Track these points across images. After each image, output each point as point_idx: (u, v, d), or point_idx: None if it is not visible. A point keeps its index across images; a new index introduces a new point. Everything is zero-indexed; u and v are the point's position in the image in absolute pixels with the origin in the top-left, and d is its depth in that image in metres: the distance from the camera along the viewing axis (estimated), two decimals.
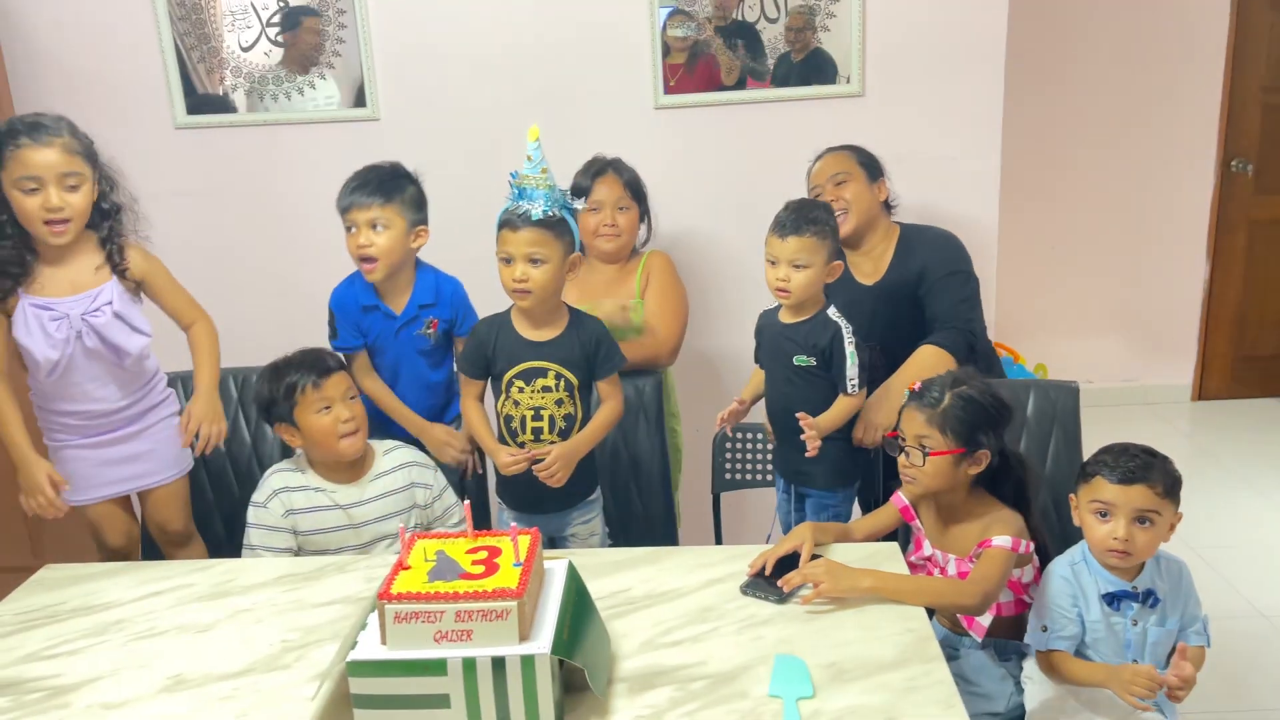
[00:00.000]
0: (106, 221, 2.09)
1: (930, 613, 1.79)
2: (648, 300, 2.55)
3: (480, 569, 1.43)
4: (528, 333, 2.09)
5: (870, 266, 2.51)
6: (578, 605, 1.51)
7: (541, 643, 1.37)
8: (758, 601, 1.68)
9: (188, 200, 3.01)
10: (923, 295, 2.41)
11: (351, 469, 2.10)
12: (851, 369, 2.10)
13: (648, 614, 1.67)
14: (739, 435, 2.44)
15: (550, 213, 1.98)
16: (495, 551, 1.48)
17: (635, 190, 2.55)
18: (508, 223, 2.00)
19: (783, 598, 1.67)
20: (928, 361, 2.29)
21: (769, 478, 2.43)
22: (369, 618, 1.45)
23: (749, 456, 2.45)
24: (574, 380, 2.08)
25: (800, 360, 2.13)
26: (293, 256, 3.04)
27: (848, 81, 2.89)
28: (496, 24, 2.89)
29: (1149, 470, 1.68)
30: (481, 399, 2.18)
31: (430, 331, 2.31)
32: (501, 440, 2.13)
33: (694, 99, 2.91)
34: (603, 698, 1.43)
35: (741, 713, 1.40)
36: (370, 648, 1.38)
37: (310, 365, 2.06)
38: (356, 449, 2.06)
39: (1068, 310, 4.61)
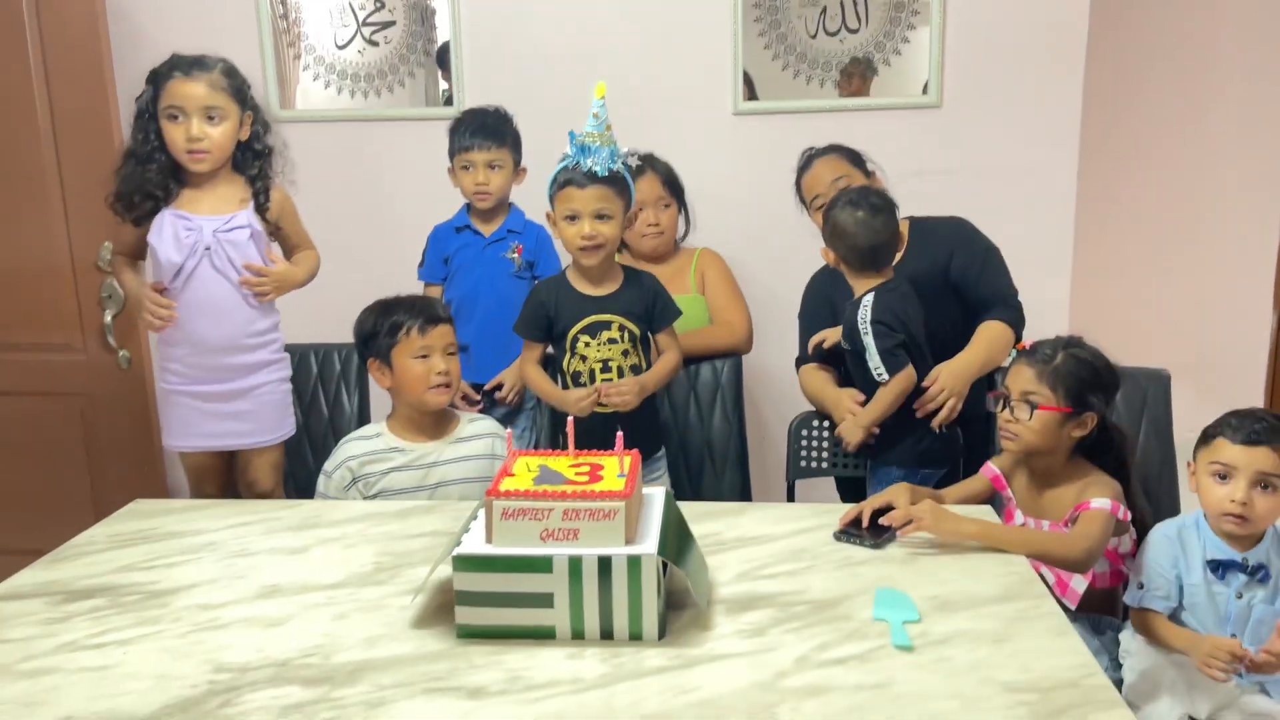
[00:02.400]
0: (257, 161, 2.19)
1: None
2: (714, 295, 2.60)
3: (585, 478, 1.43)
4: (588, 289, 2.12)
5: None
6: (678, 525, 1.50)
7: (648, 546, 1.36)
8: (853, 546, 1.66)
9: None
10: (958, 281, 2.38)
11: (434, 428, 2.09)
12: (874, 359, 2.13)
13: (740, 553, 1.65)
14: (814, 422, 2.43)
15: (614, 168, 2.02)
16: (598, 466, 1.48)
17: (673, 186, 2.62)
18: (571, 181, 2.04)
19: (879, 544, 1.65)
20: (998, 337, 2.28)
21: (845, 466, 2.41)
22: (472, 522, 1.44)
23: (823, 444, 2.42)
24: (636, 331, 2.12)
25: (844, 344, 2.18)
26: (378, 244, 3.09)
27: (925, 92, 2.93)
28: (580, 26, 2.98)
29: (1275, 434, 1.65)
30: (541, 364, 2.20)
31: (515, 256, 2.44)
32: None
33: (771, 105, 2.97)
34: (705, 609, 1.41)
35: (847, 631, 1.37)
36: (476, 544, 1.38)
37: (420, 310, 2.07)
38: (441, 403, 2.05)
39: (1124, 351, 4.54)
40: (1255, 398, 4.62)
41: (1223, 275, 4.49)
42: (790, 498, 2.47)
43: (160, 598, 1.52)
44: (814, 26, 2.93)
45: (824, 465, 2.42)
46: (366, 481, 2.03)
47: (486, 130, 2.45)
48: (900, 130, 2.95)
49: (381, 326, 2.06)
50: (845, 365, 2.31)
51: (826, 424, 2.42)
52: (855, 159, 2.51)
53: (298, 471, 2.50)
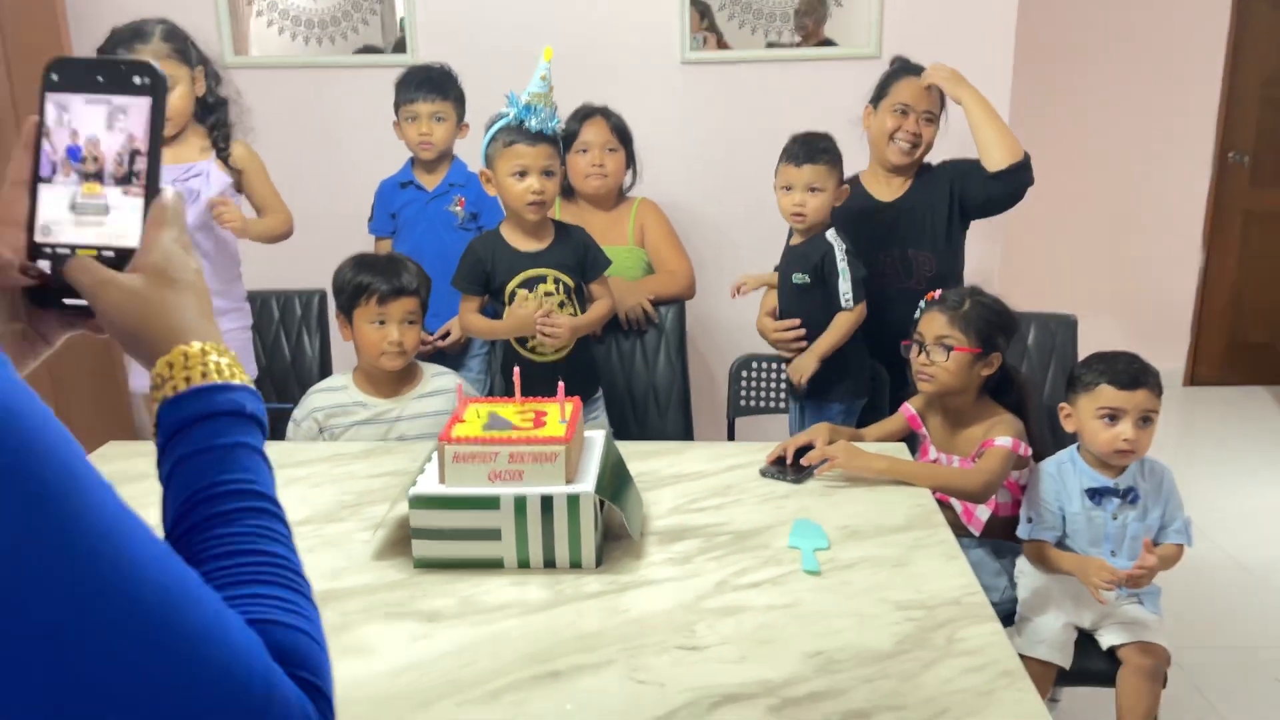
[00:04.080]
0: (211, 115, 2.26)
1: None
2: (656, 245, 2.71)
3: (529, 424, 1.58)
4: (523, 245, 2.24)
5: (892, 187, 2.56)
6: (616, 465, 1.65)
7: (585, 485, 1.51)
8: (776, 481, 1.83)
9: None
10: (965, 179, 2.48)
11: (394, 384, 2.17)
12: (845, 285, 2.26)
13: (674, 488, 1.81)
14: (754, 364, 2.59)
15: (555, 129, 2.14)
16: (542, 413, 1.62)
17: (622, 134, 2.70)
18: (517, 139, 2.12)
19: (799, 479, 1.82)
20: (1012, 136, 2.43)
21: (782, 405, 2.57)
22: (426, 465, 1.59)
23: (763, 384, 2.59)
24: (571, 283, 2.25)
25: (797, 278, 2.29)
26: (331, 189, 3.17)
27: (865, 45, 3.04)
28: None
29: (1146, 374, 1.83)
30: (480, 312, 2.32)
31: (458, 209, 2.55)
32: (510, 351, 2.27)
33: (719, 55, 3.06)
34: (637, 541, 1.57)
35: (764, 558, 1.54)
36: (430, 485, 1.52)
37: (387, 277, 2.10)
38: (393, 367, 2.12)
39: (1064, 291, 4.74)
40: (1183, 335, 4.87)
41: (1152, 226, 4.69)
42: (730, 436, 2.63)
43: None
44: None
45: (761, 405, 2.59)
46: (332, 433, 2.15)
47: (431, 84, 2.55)
48: (841, 80, 3.05)
49: (349, 285, 2.12)
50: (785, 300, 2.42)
51: (764, 365, 2.57)
52: (942, 101, 2.53)
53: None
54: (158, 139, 0.70)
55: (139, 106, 0.69)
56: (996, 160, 2.38)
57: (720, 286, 3.02)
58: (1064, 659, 1.84)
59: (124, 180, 0.69)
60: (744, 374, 2.60)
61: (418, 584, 1.47)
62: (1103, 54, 4.51)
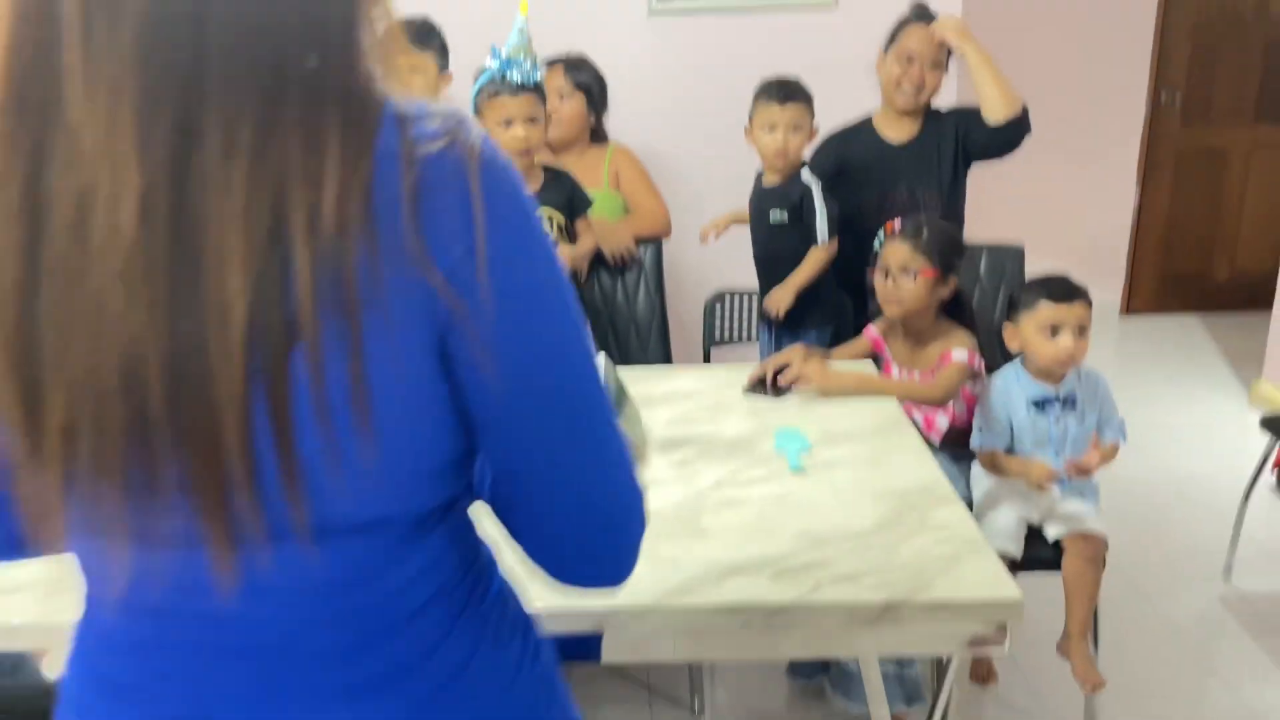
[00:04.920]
0: None
1: None
2: (632, 188, 2.86)
3: None
4: None
5: (901, 129, 2.66)
6: (617, 386, 1.82)
7: None
8: (759, 398, 2.02)
9: None
10: (970, 123, 2.60)
11: None
12: (821, 221, 2.44)
13: (669, 406, 1.99)
14: (726, 298, 2.77)
15: (537, 80, 2.28)
16: None
17: (580, 83, 2.80)
18: (501, 91, 2.26)
19: (779, 395, 2.01)
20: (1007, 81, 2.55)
21: (753, 335, 2.76)
22: None
23: (735, 318, 2.77)
24: (563, 221, 2.43)
25: (775, 217, 2.47)
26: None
27: None
28: None
29: (1079, 290, 2.04)
30: None
31: None
32: None
33: (682, 6, 3.20)
34: (642, 446, 1.75)
35: (754, 460, 1.73)
36: None
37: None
38: None
39: (1004, 227, 4.98)
40: (1119, 267, 5.14)
41: (1090, 158, 4.93)
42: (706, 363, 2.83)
43: None
44: None
45: (734, 336, 2.78)
46: None
47: (408, 37, 2.65)
48: (800, 29, 3.22)
49: None
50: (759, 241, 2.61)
51: (736, 299, 2.76)
52: (949, 48, 2.61)
53: None
54: None
55: None
56: (996, 114, 2.52)
57: (692, 226, 3.19)
58: (1016, 549, 2.07)
59: None
60: (718, 307, 2.78)
61: None
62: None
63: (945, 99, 2.75)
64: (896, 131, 2.66)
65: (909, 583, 1.34)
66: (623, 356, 2.72)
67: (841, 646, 1.39)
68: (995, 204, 4.93)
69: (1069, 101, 4.83)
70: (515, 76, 2.23)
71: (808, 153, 2.54)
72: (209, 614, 0.69)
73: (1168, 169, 4.93)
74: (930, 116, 2.68)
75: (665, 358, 2.74)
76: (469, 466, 0.74)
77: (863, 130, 2.67)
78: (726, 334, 2.79)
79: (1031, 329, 2.08)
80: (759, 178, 2.58)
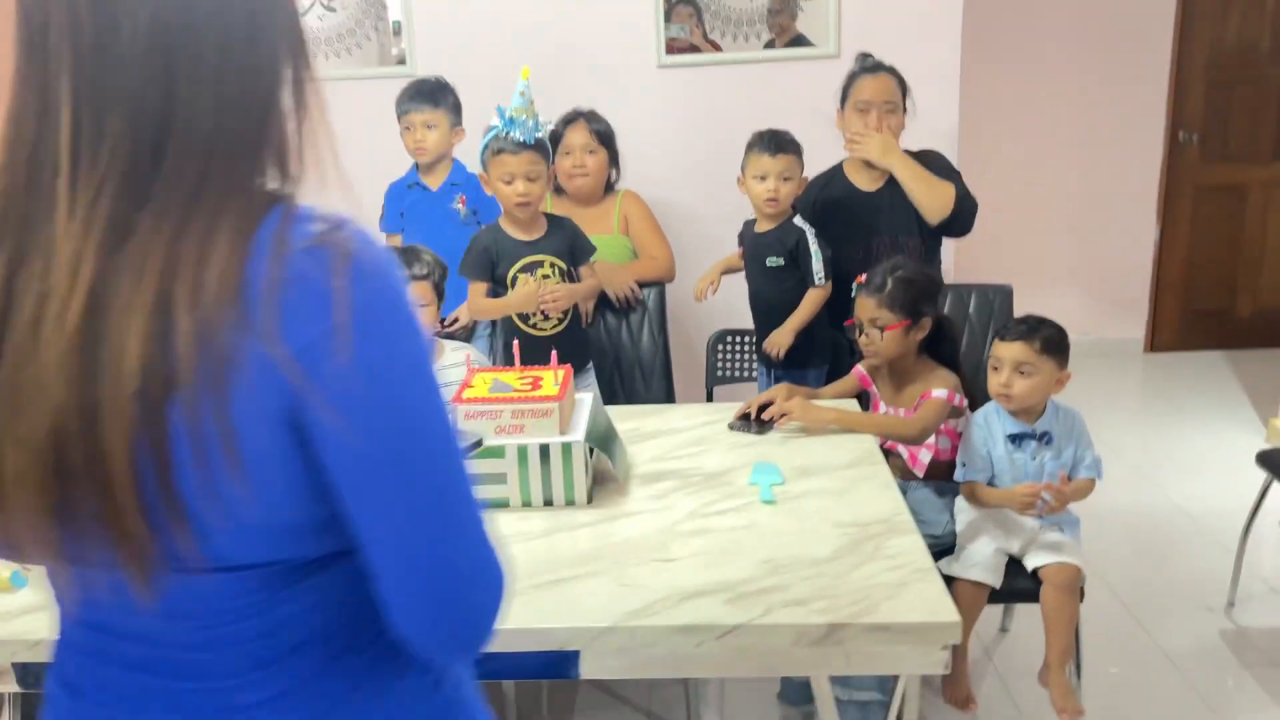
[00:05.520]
0: None
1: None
2: (639, 233, 2.99)
3: (528, 387, 1.87)
4: (521, 235, 2.53)
5: (872, 176, 2.75)
6: (602, 420, 1.94)
7: (577, 435, 1.80)
8: (742, 434, 2.12)
9: None
10: None
11: None
12: (817, 264, 2.55)
13: (656, 441, 2.10)
14: (728, 338, 2.88)
15: (538, 137, 2.42)
16: (539, 378, 1.91)
17: (602, 136, 2.96)
18: (504, 149, 2.42)
19: (762, 431, 2.11)
20: (943, 184, 2.64)
21: (753, 374, 2.86)
22: None
23: (737, 356, 2.88)
24: (564, 267, 2.55)
25: (772, 261, 2.58)
26: (337, 192, 3.46)
27: (825, 45, 3.32)
28: None
29: (1030, 332, 2.13)
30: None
31: (460, 206, 2.84)
32: (512, 327, 2.55)
33: (691, 59, 3.35)
34: (623, 482, 1.86)
35: (728, 493, 1.83)
36: None
37: (403, 264, 2.39)
38: None
39: (1027, 266, 5.04)
40: (1142, 304, 5.16)
41: (1110, 202, 4.97)
42: (709, 402, 2.93)
43: None
44: None
45: (735, 374, 2.89)
46: None
47: (423, 95, 2.85)
48: (805, 79, 3.34)
49: None
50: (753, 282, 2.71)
51: (737, 339, 2.87)
52: (904, 89, 2.72)
53: None
54: None
55: None
56: (933, 218, 2.63)
57: (698, 269, 3.31)
58: (995, 579, 2.14)
59: None
60: (720, 347, 2.89)
61: None
62: (1057, 40, 4.80)
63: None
64: (866, 179, 2.75)
65: (854, 606, 1.43)
66: (626, 394, 2.83)
67: (791, 666, 1.48)
68: (1017, 243, 5.00)
69: (1088, 142, 4.89)
70: (517, 135, 2.38)
71: None
72: (136, 631, 0.82)
73: (1187, 206, 4.96)
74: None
75: (668, 395, 2.85)
76: (339, 529, 0.80)
77: (835, 177, 2.78)
78: (729, 372, 2.90)
79: (990, 364, 2.18)
80: (750, 225, 2.70)
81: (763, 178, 2.56)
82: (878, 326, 2.22)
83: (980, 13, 4.38)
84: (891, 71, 2.72)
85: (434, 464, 0.78)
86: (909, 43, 3.31)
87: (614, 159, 3.03)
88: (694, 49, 3.34)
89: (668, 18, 3.32)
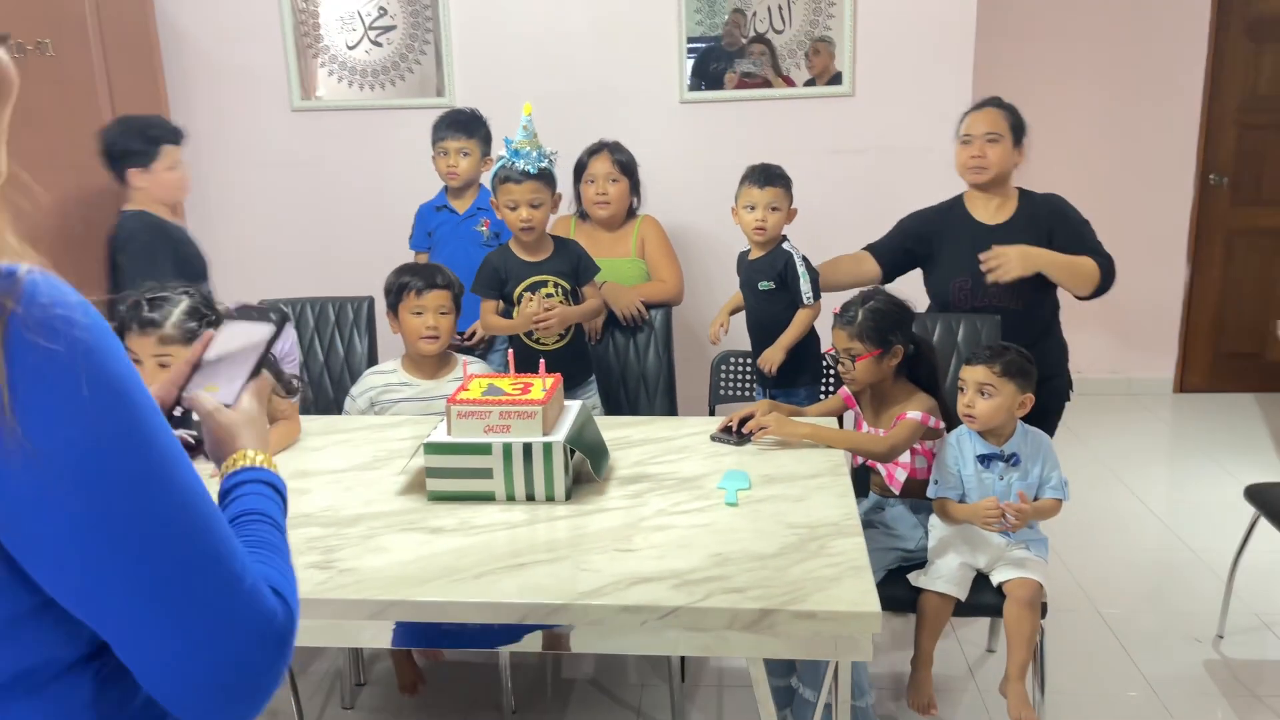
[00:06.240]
0: None
1: (865, 490, 2.40)
2: (652, 256, 3.16)
3: (518, 391, 2.04)
4: (527, 257, 2.72)
5: (990, 211, 2.87)
6: (586, 425, 2.11)
7: (558, 436, 1.96)
8: (722, 444, 2.26)
9: (298, 169, 3.69)
10: (1061, 246, 2.78)
11: (434, 368, 2.63)
12: (804, 285, 2.69)
13: (641, 448, 2.25)
14: (731, 360, 3.02)
15: (541, 167, 2.61)
16: (529, 384, 2.08)
17: (624, 165, 3.13)
18: (509, 178, 2.61)
19: (741, 442, 2.25)
20: (1083, 264, 2.77)
21: (754, 394, 3.00)
22: (439, 422, 2.06)
23: (738, 377, 3.02)
24: (568, 286, 2.72)
25: (763, 285, 2.73)
26: (380, 212, 3.70)
27: (840, 84, 3.48)
28: (550, 34, 3.54)
29: (993, 356, 2.25)
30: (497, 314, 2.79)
31: (484, 229, 3.03)
32: (519, 343, 2.72)
33: (712, 95, 3.53)
34: (600, 481, 2.02)
35: (697, 495, 1.98)
36: (440, 435, 1.99)
37: (424, 276, 2.59)
38: (429, 351, 2.58)
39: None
40: (1171, 345, 5.17)
41: (1140, 244, 5.01)
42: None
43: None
44: (748, 30, 3.48)
45: (735, 394, 3.03)
46: (382, 406, 2.63)
47: (459, 125, 3.06)
48: (820, 115, 3.50)
49: (395, 285, 2.61)
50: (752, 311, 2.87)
51: (739, 361, 3.01)
52: (1016, 123, 2.82)
53: (320, 397, 3.13)
54: (263, 360, 1.11)
55: (262, 336, 1.12)
56: (1081, 294, 2.80)
57: (710, 293, 3.48)
58: (960, 592, 2.24)
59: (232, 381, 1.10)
60: (723, 368, 3.04)
61: (429, 510, 1.94)
62: (1087, 83, 4.88)
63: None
64: (985, 211, 2.86)
65: (787, 595, 1.57)
66: (631, 408, 2.99)
67: (727, 647, 1.60)
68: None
69: (1119, 186, 4.95)
70: (521, 165, 2.57)
71: (788, 229, 2.79)
72: None
73: (1218, 249, 4.98)
74: (1024, 200, 2.87)
75: (670, 410, 3.00)
76: (41, 630, 0.74)
77: (955, 207, 2.90)
78: (731, 392, 3.04)
79: (959, 385, 2.30)
80: (744, 254, 2.86)
81: (751, 208, 2.72)
82: (851, 356, 2.34)
83: (1007, 51, 4.51)
84: (999, 105, 2.84)
85: (156, 536, 0.73)
86: (923, 84, 3.46)
87: (635, 187, 3.20)
88: (766, 83, 3.51)
89: (741, 54, 3.50)
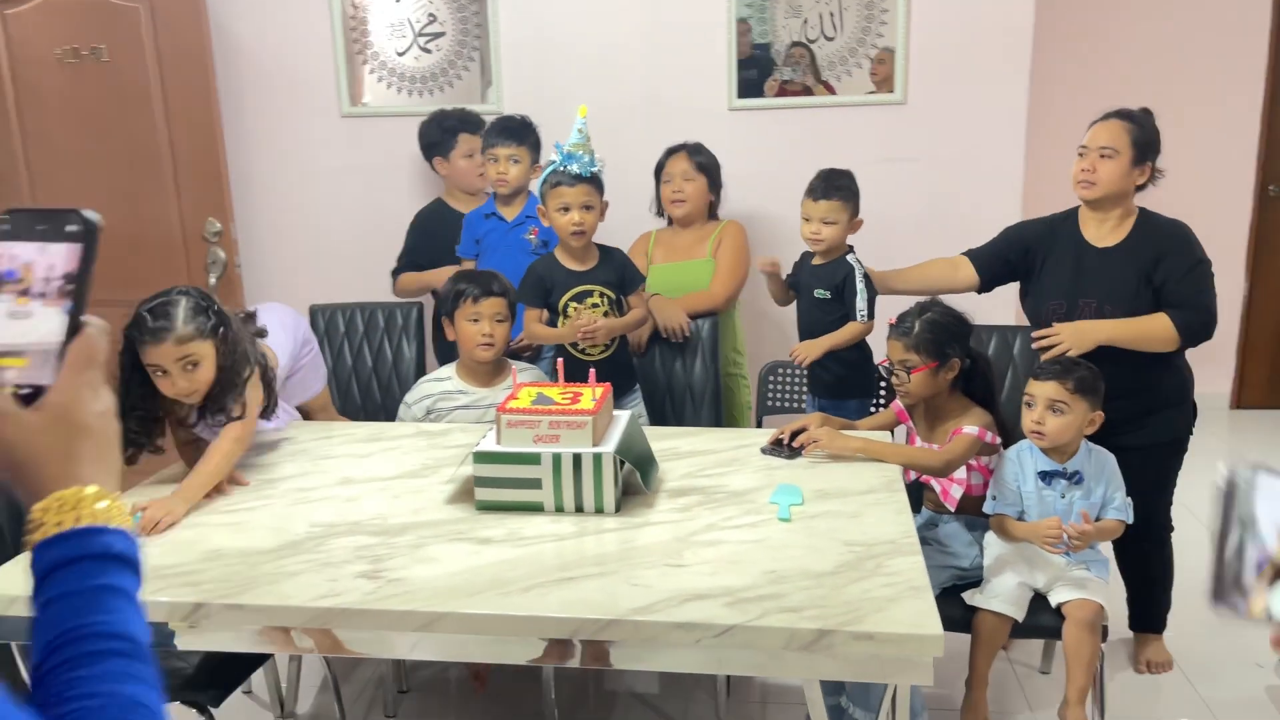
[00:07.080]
0: (231, 389, 2.11)
1: (917, 506, 2.34)
2: (719, 259, 3.12)
3: (568, 401, 2.01)
4: (573, 266, 2.68)
5: (1102, 232, 2.60)
6: (636, 435, 2.08)
7: (608, 447, 1.93)
8: (774, 457, 2.22)
9: (347, 175, 3.70)
10: (1160, 281, 2.49)
11: (490, 376, 2.61)
12: (860, 301, 2.64)
13: (690, 460, 2.22)
14: (779, 370, 2.98)
15: (594, 171, 2.58)
16: (579, 394, 2.06)
17: (701, 165, 3.11)
18: (561, 181, 2.58)
19: (792, 456, 2.21)
20: (1155, 326, 2.46)
21: (803, 407, 2.95)
22: (489, 431, 2.04)
23: (786, 387, 2.98)
24: (613, 296, 2.70)
25: (819, 293, 2.69)
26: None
27: (892, 91, 3.42)
28: (601, 41, 3.52)
29: (1064, 372, 2.19)
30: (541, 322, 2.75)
31: (532, 237, 3.00)
32: (564, 349, 2.69)
33: (761, 103, 3.48)
34: (651, 495, 1.99)
35: (748, 510, 1.94)
36: (490, 444, 1.97)
37: (480, 284, 2.56)
38: (484, 358, 2.55)
39: None
40: (1228, 360, 5.05)
41: None
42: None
43: (272, 483, 2.14)
44: (798, 34, 3.44)
45: (784, 405, 2.98)
46: (438, 414, 2.62)
47: (509, 132, 3.04)
48: (870, 124, 3.45)
49: (451, 292, 2.58)
50: (802, 304, 2.81)
51: (787, 371, 2.97)
52: (1140, 140, 2.55)
53: (368, 404, 3.13)
54: (85, 274, 0.73)
55: (74, 248, 0.74)
56: (1164, 352, 2.49)
57: (755, 302, 3.42)
58: (1018, 612, 2.18)
59: (48, 295, 0.72)
60: (770, 378, 2.99)
61: (477, 519, 1.92)
62: (1143, 93, 4.75)
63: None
64: (1095, 232, 2.60)
65: (844, 615, 1.53)
66: (677, 419, 2.96)
67: (782, 668, 1.56)
68: None
69: (1176, 199, 4.80)
70: (574, 169, 2.54)
71: (853, 238, 2.75)
72: None
73: (1276, 263, 4.85)
74: (1141, 223, 2.59)
75: (716, 422, 2.96)
76: None
77: (1068, 221, 2.65)
78: (778, 402, 2.99)
79: (1025, 401, 2.24)
80: (807, 255, 2.81)
81: (808, 219, 2.68)
82: (906, 368, 2.29)
83: (1059, 62, 4.42)
84: (1126, 117, 2.58)
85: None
86: (978, 94, 3.40)
87: (714, 186, 3.17)
88: (807, 91, 3.47)
89: (783, 60, 3.46)
